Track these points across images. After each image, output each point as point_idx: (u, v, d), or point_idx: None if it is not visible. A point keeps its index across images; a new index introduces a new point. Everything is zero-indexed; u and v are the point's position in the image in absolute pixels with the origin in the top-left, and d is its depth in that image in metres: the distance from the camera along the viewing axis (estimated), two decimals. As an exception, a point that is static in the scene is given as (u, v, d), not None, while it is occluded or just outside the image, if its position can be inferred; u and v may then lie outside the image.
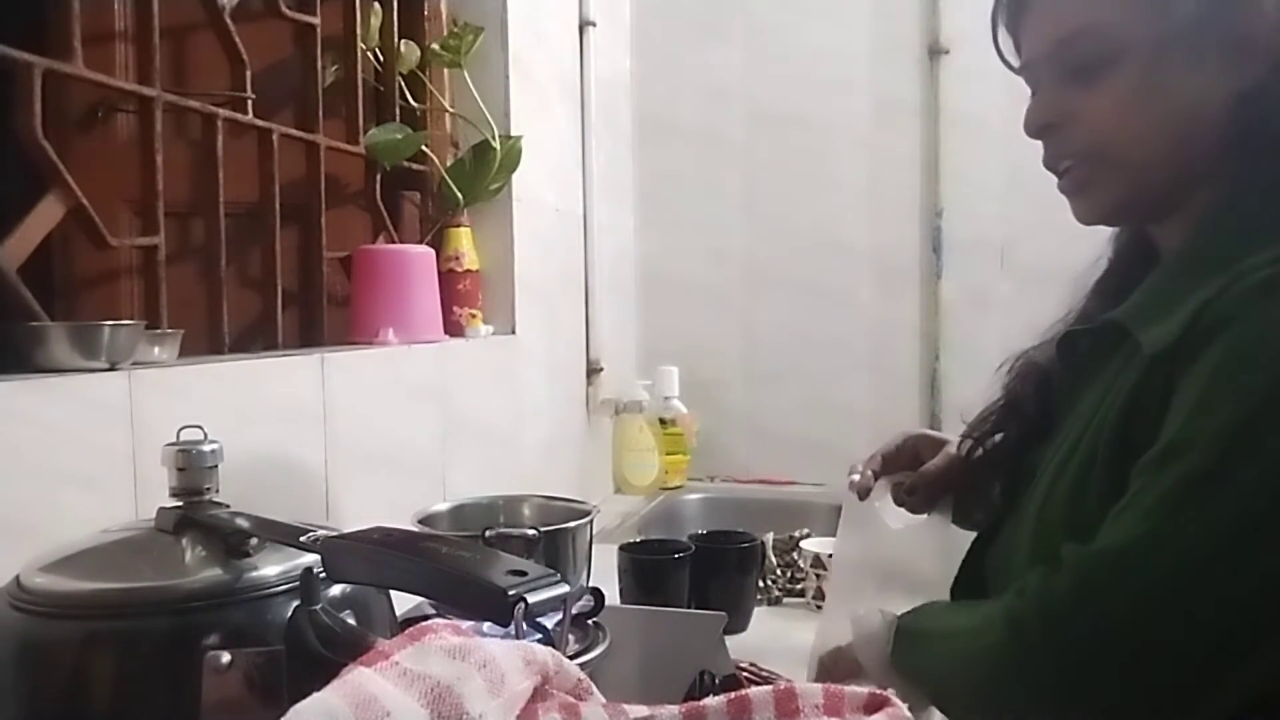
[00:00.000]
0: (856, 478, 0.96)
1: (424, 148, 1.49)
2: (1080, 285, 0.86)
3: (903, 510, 0.96)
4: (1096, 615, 0.59)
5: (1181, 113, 0.72)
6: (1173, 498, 0.59)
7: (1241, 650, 0.58)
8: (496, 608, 0.51)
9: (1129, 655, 0.58)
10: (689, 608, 1.19)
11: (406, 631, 0.48)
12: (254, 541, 0.61)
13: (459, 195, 1.51)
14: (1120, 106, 0.73)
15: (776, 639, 1.21)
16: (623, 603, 1.17)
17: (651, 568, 1.21)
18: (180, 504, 0.65)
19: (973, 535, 0.87)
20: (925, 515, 0.97)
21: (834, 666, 0.87)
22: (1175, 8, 0.70)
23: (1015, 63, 0.82)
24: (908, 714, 0.49)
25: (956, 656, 0.71)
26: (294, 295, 1.30)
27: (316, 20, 1.30)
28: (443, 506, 1.11)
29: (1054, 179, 0.79)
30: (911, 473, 0.97)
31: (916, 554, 0.96)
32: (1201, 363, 0.62)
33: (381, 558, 0.57)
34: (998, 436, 0.89)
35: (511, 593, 0.51)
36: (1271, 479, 0.57)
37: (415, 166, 1.51)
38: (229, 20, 1.15)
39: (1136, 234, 0.83)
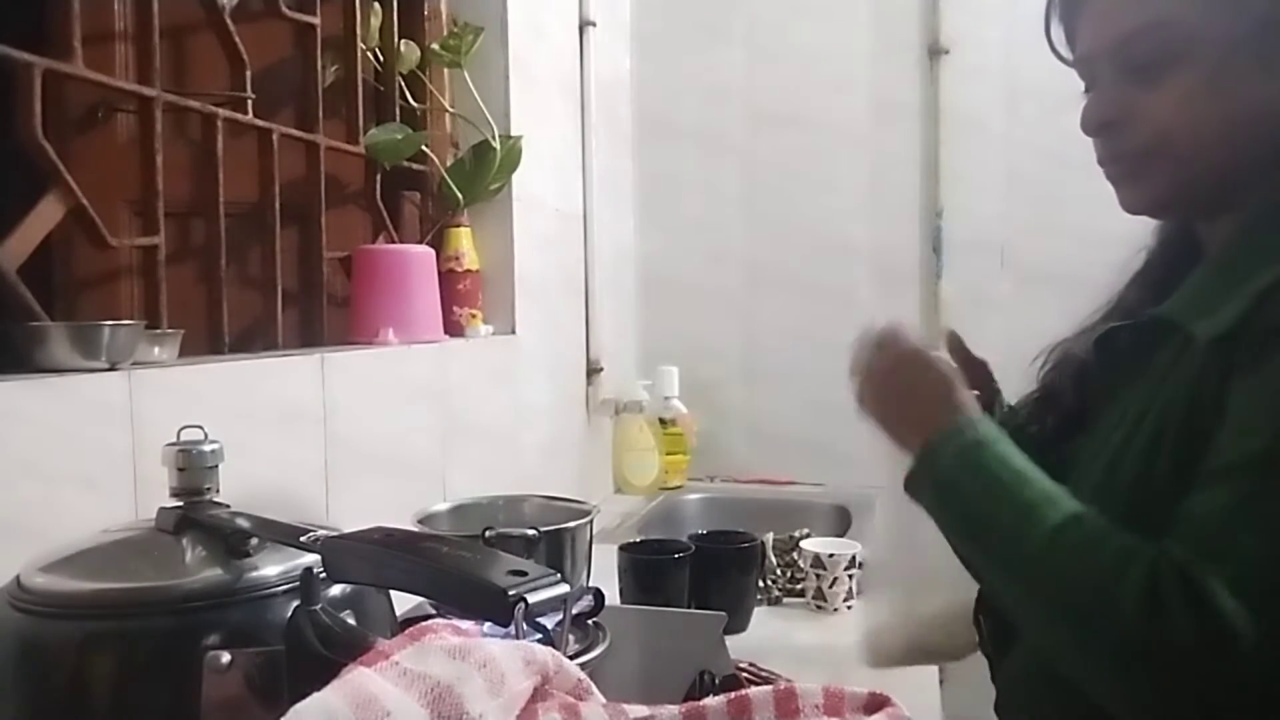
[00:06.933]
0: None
1: (424, 148, 1.49)
2: (1119, 276, 0.85)
3: None
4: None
5: (1245, 114, 0.71)
6: None
7: None
8: (496, 608, 0.51)
9: None
10: (689, 608, 1.19)
11: (406, 631, 0.48)
12: (254, 541, 0.61)
13: (459, 195, 1.51)
14: (1183, 105, 0.72)
15: (776, 639, 1.21)
16: (623, 603, 1.17)
17: (651, 568, 1.21)
18: (180, 504, 0.65)
19: None
20: None
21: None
22: (1249, 8, 0.70)
23: (1068, 55, 0.81)
24: (906, 714, 0.49)
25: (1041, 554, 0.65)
26: (294, 295, 1.30)
27: (316, 20, 1.30)
28: (443, 506, 1.11)
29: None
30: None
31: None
32: (1273, 365, 0.63)
33: (381, 558, 0.57)
34: (1033, 428, 0.88)
35: (511, 593, 0.51)
36: None
37: (415, 166, 1.51)
38: (229, 20, 1.15)
39: (1181, 227, 0.82)
